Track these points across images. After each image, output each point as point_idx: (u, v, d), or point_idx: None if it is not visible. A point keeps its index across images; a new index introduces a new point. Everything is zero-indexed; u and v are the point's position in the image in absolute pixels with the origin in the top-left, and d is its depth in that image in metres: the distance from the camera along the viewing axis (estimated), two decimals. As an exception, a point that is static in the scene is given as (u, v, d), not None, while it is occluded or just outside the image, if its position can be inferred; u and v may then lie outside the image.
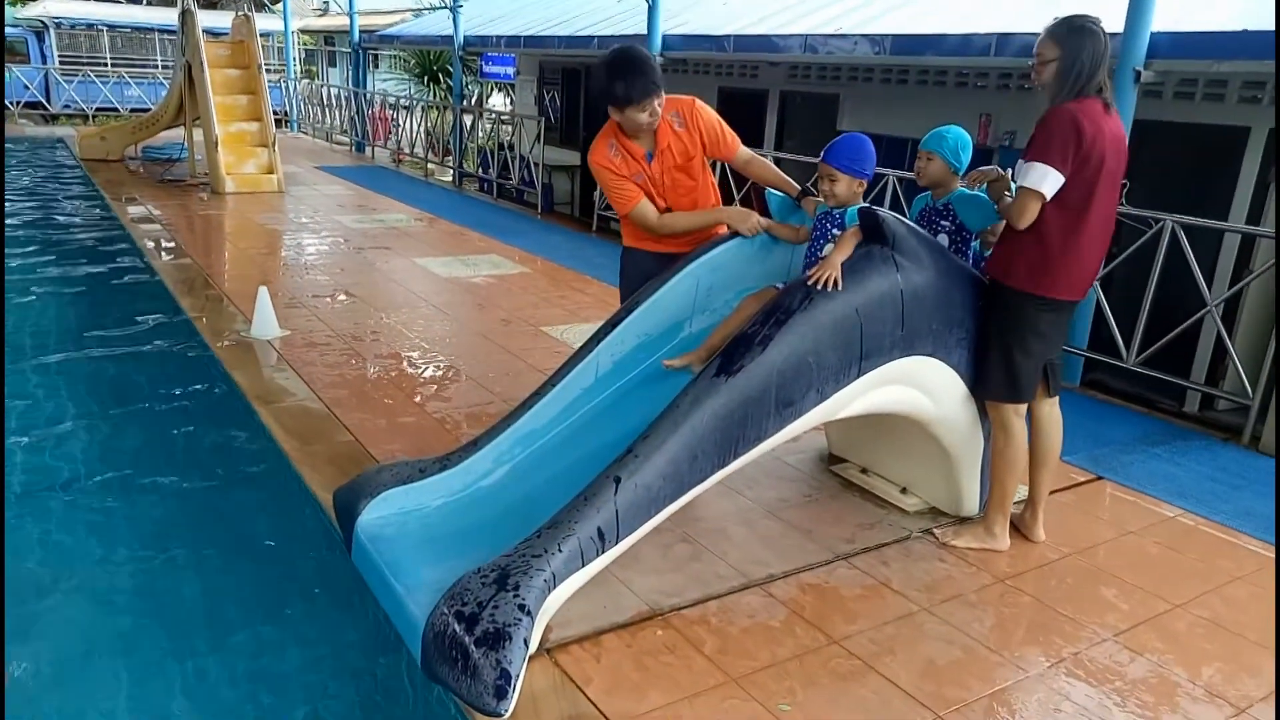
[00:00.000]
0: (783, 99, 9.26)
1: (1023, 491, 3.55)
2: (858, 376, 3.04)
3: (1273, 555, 3.54)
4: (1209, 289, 5.03)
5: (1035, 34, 3.09)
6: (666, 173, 3.46)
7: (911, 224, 3.23)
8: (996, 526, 3.45)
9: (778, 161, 7.64)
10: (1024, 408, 3.35)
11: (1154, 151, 5.83)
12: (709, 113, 3.52)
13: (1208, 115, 5.70)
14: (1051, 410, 3.44)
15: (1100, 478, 4.20)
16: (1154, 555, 3.53)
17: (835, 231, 3.23)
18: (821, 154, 3.23)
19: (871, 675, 2.69)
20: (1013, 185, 3.24)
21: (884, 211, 3.12)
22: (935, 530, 3.55)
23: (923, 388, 3.26)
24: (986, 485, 3.58)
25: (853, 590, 3.14)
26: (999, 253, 3.23)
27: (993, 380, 3.29)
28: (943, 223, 3.51)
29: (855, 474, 3.98)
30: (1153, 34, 5.00)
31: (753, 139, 8.77)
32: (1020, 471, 3.41)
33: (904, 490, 3.81)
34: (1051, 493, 3.61)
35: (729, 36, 8.34)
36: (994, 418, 3.36)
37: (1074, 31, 2.97)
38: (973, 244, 3.51)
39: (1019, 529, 3.55)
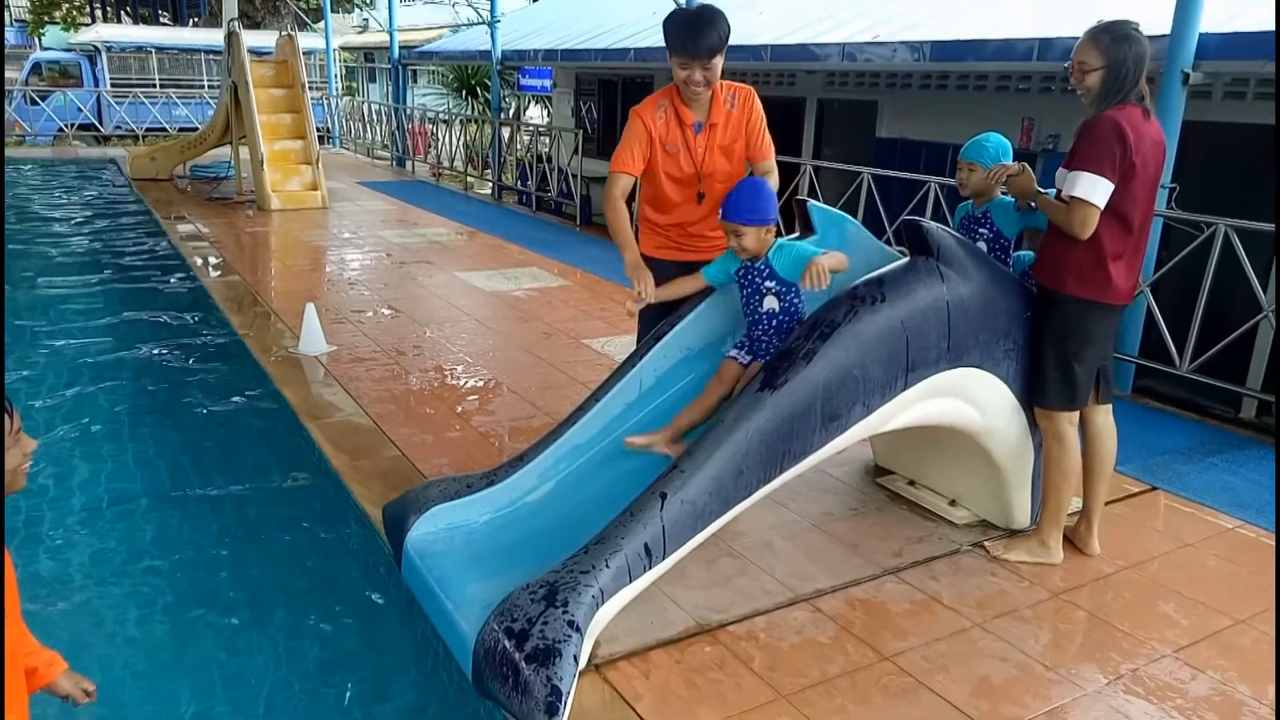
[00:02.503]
0: (820, 107, 9.23)
1: (1075, 503, 3.49)
2: (904, 390, 3.01)
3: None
4: (1264, 292, 4.91)
5: (1078, 38, 3.06)
6: (710, 150, 3.45)
7: (957, 235, 3.20)
8: (1050, 539, 3.39)
9: (816, 170, 7.64)
10: (1077, 417, 3.29)
11: (1204, 153, 5.71)
12: (761, 109, 3.53)
13: (1260, 115, 5.57)
14: (1105, 419, 3.38)
15: (1155, 488, 4.11)
16: (1213, 568, 3.44)
17: (769, 284, 3.08)
18: (720, 213, 3.09)
19: (924, 693, 2.66)
20: (1034, 176, 3.23)
21: (929, 223, 3.09)
22: (986, 543, 3.50)
23: (971, 400, 3.22)
24: (1037, 497, 3.53)
25: (902, 605, 3.10)
26: (1048, 260, 3.19)
27: (1049, 389, 3.24)
28: (980, 230, 3.48)
29: (902, 486, 3.93)
30: (1201, 35, 4.90)
31: (790, 148, 8.74)
32: (1075, 482, 3.35)
33: (953, 503, 3.76)
34: (1105, 504, 3.54)
35: (766, 46, 8.33)
36: (1046, 428, 3.31)
37: (1118, 40, 2.93)
38: (1014, 253, 3.48)
39: (1072, 541, 3.48)
